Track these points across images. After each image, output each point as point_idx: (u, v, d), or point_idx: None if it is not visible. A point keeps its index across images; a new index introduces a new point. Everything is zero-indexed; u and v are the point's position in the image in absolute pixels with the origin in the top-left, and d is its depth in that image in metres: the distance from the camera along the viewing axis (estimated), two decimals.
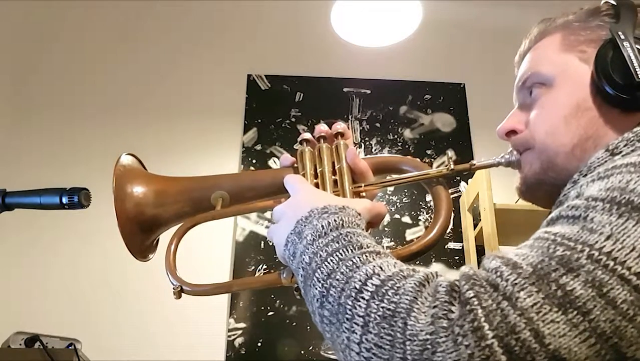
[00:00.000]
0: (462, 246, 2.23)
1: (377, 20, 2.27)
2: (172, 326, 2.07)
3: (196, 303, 2.07)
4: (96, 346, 1.75)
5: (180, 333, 2.06)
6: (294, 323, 2.11)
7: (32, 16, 2.62)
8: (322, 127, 0.81)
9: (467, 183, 2.27)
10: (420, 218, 2.33)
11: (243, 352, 2.06)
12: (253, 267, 2.18)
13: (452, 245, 2.26)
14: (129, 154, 0.82)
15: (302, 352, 2.07)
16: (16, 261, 2.17)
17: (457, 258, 2.23)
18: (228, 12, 2.72)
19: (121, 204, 0.76)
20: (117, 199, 0.75)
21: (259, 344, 2.08)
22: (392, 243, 2.27)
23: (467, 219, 2.18)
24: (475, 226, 2.13)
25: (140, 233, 0.78)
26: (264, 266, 2.18)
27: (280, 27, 2.71)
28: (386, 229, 2.29)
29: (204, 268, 2.11)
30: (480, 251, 2.07)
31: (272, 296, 2.14)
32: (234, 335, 2.09)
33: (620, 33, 0.67)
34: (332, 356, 2.06)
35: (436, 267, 2.22)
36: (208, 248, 2.15)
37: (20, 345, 1.52)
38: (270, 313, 2.13)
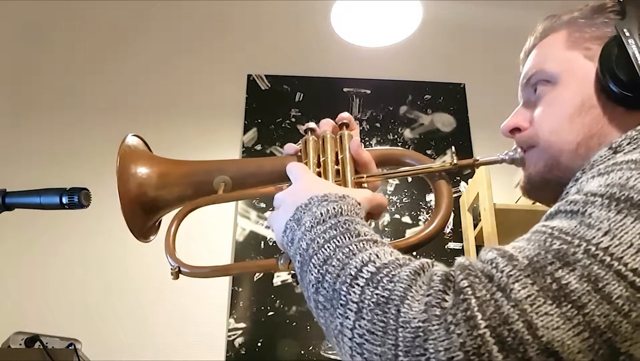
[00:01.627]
0: (462, 246, 2.23)
1: (377, 20, 2.27)
2: (172, 326, 2.07)
3: (196, 303, 2.08)
4: (96, 346, 1.75)
5: (180, 333, 2.06)
6: (294, 323, 2.11)
7: (32, 16, 2.61)
8: (326, 125, 0.82)
9: (467, 183, 2.28)
10: (420, 218, 2.33)
11: (243, 352, 2.06)
12: None
13: (452, 245, 2.26)
14: (134, 135, 0.83)
15: (302, 352, 2.07)
16: (16, 261, 2.17)
17: (457, 258, 2.23)
18: (228, 12, 2.72)
19: (124, 184, 0.76)
20: (120, 179, 0.76)
21: (259, 344, 2.08)
22: None
23: (467, 219, 2.18)
24: (475, 226, 2.13)
25: (142, 214, 0.79)
26: None
27: (280, 27, 2.71)
28: (386, 229, 2.29)
29: None
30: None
31: (272, 296, 2.14)
32: (234, 335, 2.09)
33: (625, 30, 0.66)
34: (332, 356, 2.06)
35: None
36: (208, 248, 2.15)
37: (20, 345, 1.52)
38: (270, 313, 2.13)
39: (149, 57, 2.61)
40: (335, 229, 0.57)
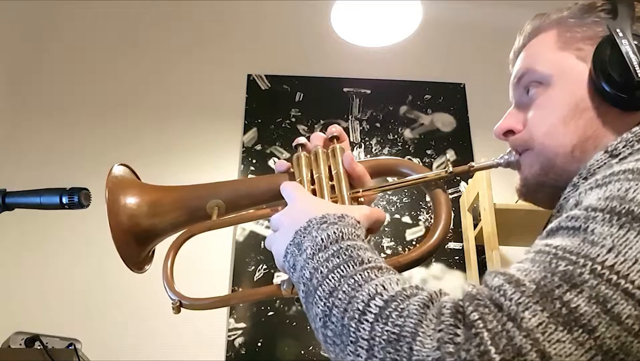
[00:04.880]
0: (462, 246, 2.23)
1: (377, 20, 2.26)
2: (172, 326, 2.07)
3: None
4: (96, 346, 1.75)
5: (180, 333, 2.06)
6: (294, 323, 2.11)
7: (32, 16, 2.61)
8: (316, 139, 0.80)
9: (467, 183, 2.28)
10: (420, 218, 2.33)
11: (243, 352, 2.06)
12: (253, 267, 2.18)
13: (452, 245, 2.26)
14: (121, 164, 0.81)
15: (302, 352, 2.07)
16: (16, 261, 2.17)
17: (457, 258, 2.23)
18: (228, 12, 2.72)
19: (115, 217, 0.74)
20: (110, 212, 0.74)
21: (259, 344, 2.08)
22: (392, 243, 2.27)
23: (467, 219, 2.18)
24: (475, 226, 2.13)
25: (135, 245, 0.77)
26: (264, 266, 2.18)
27: (280, 27, 2.71)
28: (386, 229, 2.29)
29: (204, 268, 2.11)
30: (480, 251, 2.07)
31: None
32: (234, 335, 2.09)
33: (618, 30, 0.65)
34: None
35: (436, 267, 2.23)
36: (208, 248, 2.15)
37: (20, 345, 1.52)
38: (270, 313, 2.13)
39: (149, 57, 2.61)
40: (338, 257, 0.55)
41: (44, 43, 2.62)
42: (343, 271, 0.54)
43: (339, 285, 0.52)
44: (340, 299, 0.51)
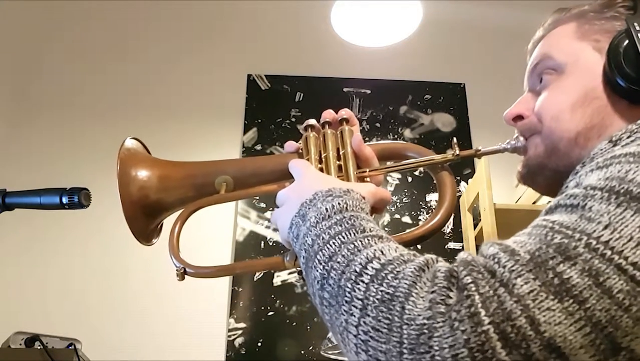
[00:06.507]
0: (462, 246, 2.23)
1: (377, 20, 2.27)
2: (172, 326, 2.07)
3: (196, 303, 2.08)
4: (96, 346, 1.75)
5: (180, 333, 2.07)
6: (294, 323, 2.11)
7: (33, 16, 2.62)
8: (327, 113, 0.81)
9: (467, 183, 2.28)
10: (420, 218, 2.33)
11: (243, 352, 2.06)
12: None
13: (452, 245, 2.26)
14: (133, 138, 0.82)
15: (302, 352, 2.07)
16: (16, 261, 2.17)
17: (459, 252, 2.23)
18: (228, 12, 2.72)
19: (125, 188, 0.76)
20: (121, 183, 0.75)
21: (259, 344, 2.08)
22: None
23: (467, 219, 2.18)
24: (475, 226, 2.13)
25: (144, 217, 0.78)
26: None
27: (280, 27, 2.71)
28: (386, 228, 2.29)
29: None
30: None
31: (272, 296, 2.14)
32: (234, 335, 2.09)
33: (636, 24, 0.66)
34: (332, 356, 2.06)
35: None
36: (208, 248, 2.15)
37: (20, 345, 1.52)
38: (270, 313, 2.13)
39: (149, 57, 2.62)
40: (341, 225, 0.57)
41: (44, 43, 2.62)
42: (344, 238, 0.55)
43: (338, 250, 0.54)
44: (338, 262, 0.52)
